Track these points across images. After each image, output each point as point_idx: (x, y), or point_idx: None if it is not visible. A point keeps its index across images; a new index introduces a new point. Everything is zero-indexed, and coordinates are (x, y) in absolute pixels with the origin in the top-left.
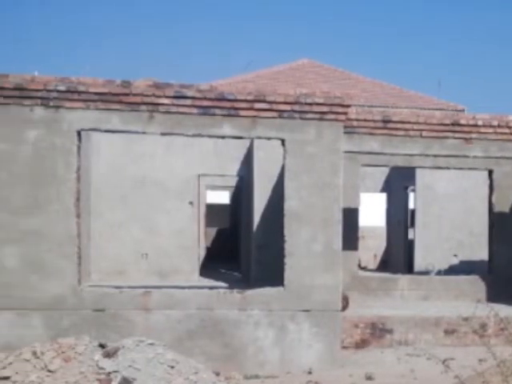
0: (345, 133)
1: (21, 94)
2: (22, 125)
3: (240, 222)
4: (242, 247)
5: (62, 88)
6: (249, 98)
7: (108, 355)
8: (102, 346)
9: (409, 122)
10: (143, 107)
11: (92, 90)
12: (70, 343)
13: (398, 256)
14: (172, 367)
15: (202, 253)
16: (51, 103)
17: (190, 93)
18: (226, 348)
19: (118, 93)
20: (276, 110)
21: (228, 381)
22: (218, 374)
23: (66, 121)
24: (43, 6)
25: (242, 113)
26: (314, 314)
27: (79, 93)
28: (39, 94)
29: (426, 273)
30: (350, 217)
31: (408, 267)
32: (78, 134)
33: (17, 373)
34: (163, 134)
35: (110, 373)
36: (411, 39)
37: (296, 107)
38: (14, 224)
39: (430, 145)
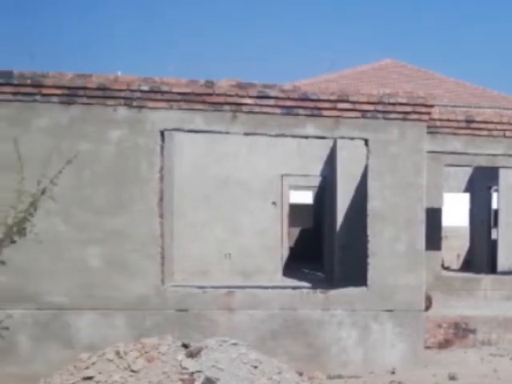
0: (428, 133)
1: (104, 93)
2: (105, 125)
3: (323, 222)
4: (325, 247)
5: (145, 88)
6: (332, 97)
7: (191, 355)
8: (185, 346)
9: (492, 122)
10: (226, 107)
11: (175, 89)
12: (153, 343)
13: (481, 256)
14: (255, 367)
15: (285, 253)
16: (134, 103)
17: (273, 93)
18: (309, 348)
19: (202, 93)
20: (359, 110)
21: (311, 381)
22: (301, 374)
23: (149, 121)
24: (127, 7)
25: (325, 113)
26: (397, 314)
27: (162, 93)
28: (122, 94)
29: (509, 273)
30: (433, 217)
31: (491, 267)
32: (162, 134)
33: (100, 373)
34: (246, 134)
35: (193, 373)
36: (494, 38)
37: (379, 107)
38: (97, 224)
39: None
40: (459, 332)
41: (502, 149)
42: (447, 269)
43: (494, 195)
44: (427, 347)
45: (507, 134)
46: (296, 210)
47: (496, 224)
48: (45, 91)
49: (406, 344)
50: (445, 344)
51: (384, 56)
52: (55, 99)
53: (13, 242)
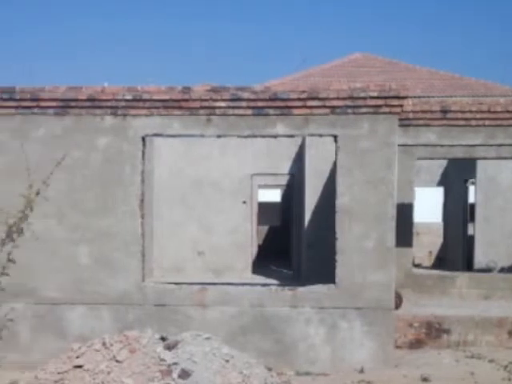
0: (400, 126)
1: (93, 104)
2: (93, 133)
3: (291, 220)
4: (294, 245)
5: (128, 97)
6: (302, 96)
7: (168, 348)
8: (163, 338)
9: (470, 111)
10: (201, 111)
11: (155, 97)
12: (135, 336)
13: (456, 253)
14: (227, 361)
15: (255, 250)
16: (119, 112)
17: (245, 95)
18: (277, 344)
19: (179, 99)
20: (329, 107)
21: (280, 376)
22: (270, 370)
23: (132, 128)
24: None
25: (295, 111)
26: (365, 312)
27: (144, 101)
28: (109, 104)
29: (487, 270)
30: (404, 212)
31: (467, 264)
32: (143, 139)
33: (89, 362)
34: (219, 136)
35: (170, 365)
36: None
37: (349, 102)
38: (86, 225)
39: (493, 134)
40: (432, 332)
41: (481, 139)
42: (419, 266)
43: (471, 188)
44: (398, 347)
45: (487, 122)
46: (265, 209)
47: (472, 219)
48: (42, 104)
49: (374, 343)
50: (416, 344)
51: (354, 50)
52: (51, 111)
53: (12, 240)
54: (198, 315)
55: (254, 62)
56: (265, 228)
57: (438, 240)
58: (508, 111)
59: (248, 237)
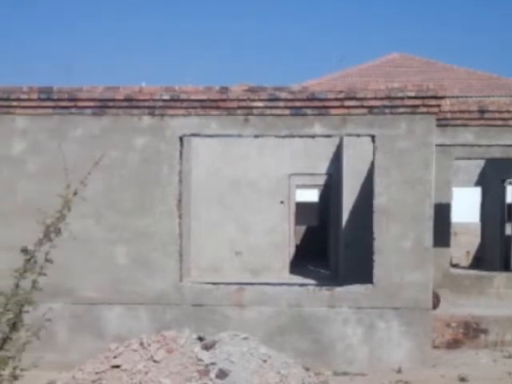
0: (438, 126)
1: (130, 104)
2: (131, 133)
3: (329, 220)
4: (331, 245)
5: (166, 97)
6: (339, 96)
7: (206, 348)
8: (200, 339)
9: (507, 111)
10: (239, 111)
11: (193, 97)
12: (173, 336)
13: (494, 253)
14: (264, 361)
15: (292, 250)
16: (156, 112)
17: (282, 95)
18: (315, 344)
19: (217, 99)
20: (366, 107)
21: (317, 377)
22: (307, 370)
23: (169, 128)
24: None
25: (333, 111)
26: (403, 312)
27: (181, 101)
28: (146, 104)
29: None
30: (442, 212)
31: (504, 265)
32: (180, 139)
33: (126, 362)
34: (257, 136)
35: (207, 365)
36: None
37: (387, 102)
38: (124, 225)
39: None
40: (469, 332)
41: None
42: (456, 266)
43: (508, 189)
44: (435, 347)
45: None
46: (302, 209)
47: (510, 219)
48: (80, 104)
49: (412, 343)
50: (454, 344)
51: (391, 50)
52: (88, 111)
53: (50, 240)
54: (236, 315)
55: (291, 61)
56: (302, 228)
57: (475, 240)
58: None
59: (286, 237)
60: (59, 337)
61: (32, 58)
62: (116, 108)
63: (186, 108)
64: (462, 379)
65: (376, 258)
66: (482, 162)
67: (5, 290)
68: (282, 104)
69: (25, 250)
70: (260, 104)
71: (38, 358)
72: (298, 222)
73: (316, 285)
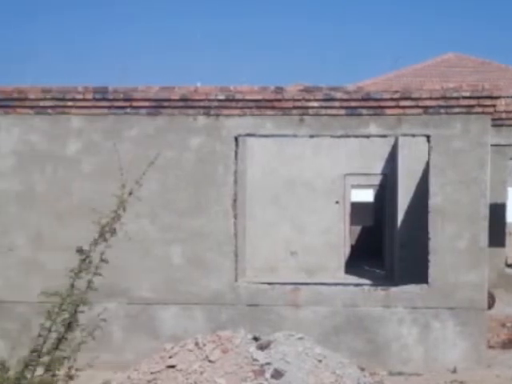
0: (493, 126)
1: (185, 104)
2: (186, 133)
3: (384, 220)
4: (386, 245)
5: (221, 97)
6: (395, 96)
7: (261, 348)
8: (255, 338)
9: None
10: (294, 111)
11: (248, 97)
12: (228, 336)
13: None
14: (320, 361)
15: (347, 250)
16: (212, 112)
17: (338, 95)
18: (370, 344)
19: (272, 99)
20: (421, 107)
21: (372, 377)
22: (362, 370)
23: (225, 128)
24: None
25: (388, 111)
26: (458, 312)
27: (237, 101)
28: (201, 104)
29: None
30: (497, 212)
31: None
32: (236, 139)
33: (182, 362)
34: (312, 136)
35: (263, 365)
36: None
37: (442, 102)
38: (179, 225)
39: None
40: None
41: None
42: (511, 266)
43: None
44: (490, 347)
45: None
46: (357, 209)
47: None
48: (135, 104)
49: (467, 343)
50: (509, 344)
51: (446, 50)
52: (143, 111)
53: (105, 240)
54: (291, 315)
55: (347, 61)
56: (357, 228)
57: None
58: None
59: (341, 237)
60: (114, 337)
61: (87, 57)
62: (171, 108)
63: (242, 108)
64: None
65: (431, 257)
66: None
67: (60, 290)
68: (337, 104)
69: (80, 250)
70: (315, 104)
71: (93, 358)
72: (353, 222)
73: (371, 285)
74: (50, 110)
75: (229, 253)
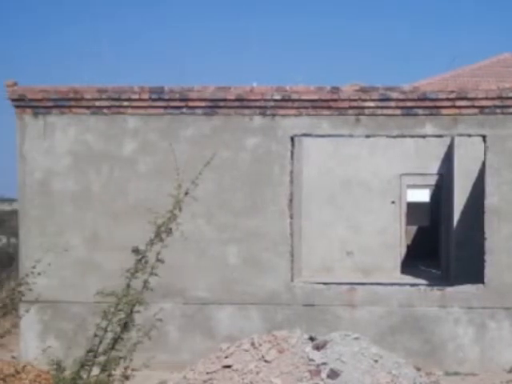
0: None
1: (241, 104)
2: (242, 133)
3: (440, 220)
4: (442, 245)
5: (277, 97)
6: (450, 96)
7: (317, 348)
8: (311, 338)
9: None
10: (350, 111)
11: (304, 97)
12: (284, 336)
13: None
14: (376, 361)
15: (403, 250)
16: (268, 112)
17: (394, 95)
18: (426, 344)
19: (328, 99)
20: (477, 107)
21: (428, 376)
22: (418, 370)
23: (280, 128)
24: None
25: (444, 111)
26: None
27: (293, 101)
28: (257, 104)
29: None
30: None
31: None
32: (292, 139)
33: (237, 362)
34: (368, 136)
35: (319, 365)
36: None
37: (498, 102)
38: (235, 225)
39: None
40: None
41: None
42: None
43: None
44: None
45: None
46: (413, 209)
47: None
48: (191, 104)
49: None
50: None
51: (502, 50)
52: (199, 111)
53: (161, 240)
54: (347, 315)
55: (403, 61)
56: (413, 228)
57: None
58: None
59: (397, 237)
60: (170, 337)
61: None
62: (227, 108)
63: (298, 108)
64: None
65: (487, 257)
66: None
67: (116, 290)
68: (393, 104)
69: (136, 250)
70: (371, 104)
71: (149, 358)
72: (409, 222)
73: (427, 285)
74: (105, 110)
75: (285, 253)
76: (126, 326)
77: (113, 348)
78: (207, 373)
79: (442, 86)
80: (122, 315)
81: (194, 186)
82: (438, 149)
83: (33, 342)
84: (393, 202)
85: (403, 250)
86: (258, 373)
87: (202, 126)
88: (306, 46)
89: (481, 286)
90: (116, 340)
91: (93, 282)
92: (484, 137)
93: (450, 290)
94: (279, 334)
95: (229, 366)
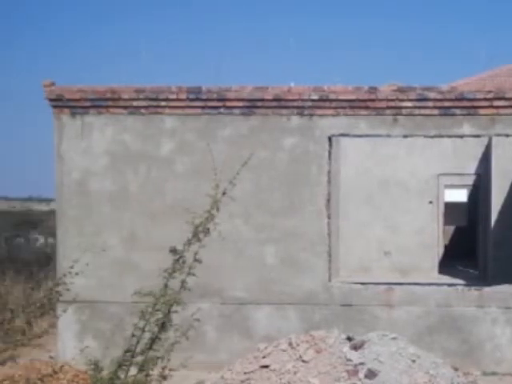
0: None
1: (279, 104)
2: (279, 133)
3: (477, 220)
4: (480, 245)
5: (315, 97)
6: (488, 96)
7: (355, 348)
8: (349, 338)
9: None
10: (388, 111)
11: (342, 97)
12: (322, 336)
13: None
14: (413, 361)
15: (441, 250)
16: (305, 112)
17: (431, 95)
18: (463, 344)
19: (365, 99)
20: None
21: (466, 377)
22: (456, 370)
23: (318, 128)
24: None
25: (482, 111)
26: None
27: (330, 101)
28: (295, 104)
29: None
30: None
31: None
32: (329, 139)
33: (275, 362)
34: (406, 136)
35: (356, 365)
36: None
37: None
38: (273, 225)
39: None
40: None
41: None
42: None
43: None
44: None
45: None
46: (451, 209)
47: None
48: (228, 104)
49: None
50: None
51: None
52: (237, 111)
53: (198, 240)
54: (385, 315)
55: (440, 61)
56: (451, 228)
57: None
58: None
59: (434, 237)
60: (208, 337)
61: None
62: (265, 108)
63: (335, 108)
64: None
65: None
66: None
67: (154, 290)
68: (430, 104)
69: (174, 250)
70: (409, 104)
71: (187, 358)
72: (446, 222)
73: (465, 285)
74: (143, 110)
75: (322, 253)
76: (163, 326)
77: (150, 348)
78: (245, 373)
79: (479, 85)
80: (160, 315)
81: (232, 186)
82: (476, 149)
83: (70, 342)
84: (430, 202)
85: (441, 250)
86: (295, 373)
87: (240, 126)
88: (344, 46)
89: None
90: (154, 340)
91: (130, 281)
92: None
93: (487, 290)
94: (317, 334)
95: (266, 366)
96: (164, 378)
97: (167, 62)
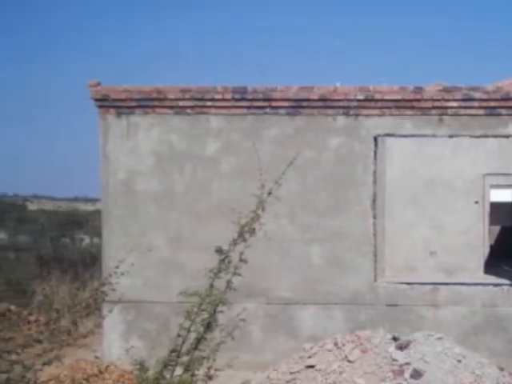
0: None
1: (324, 104)
2: (325, 133)
3: None
4: None
5: (360, 97)
6: None
7: (400, 348)
8: (394, 338)
9: None
10: (433, 111)
11: (387, 97)
12: (367, 336)
13: None
14: (459, 361)
15: (487, 250)
16: (351, 112)
17: (477, 95)
18: (509, 344)
19: (411, 99)
20: None
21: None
22: (502, 370)
23: (364, 128)
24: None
25: None
26: None
27: (376, 101)
28: (341, 104)
29: None
30: None
31: None
32: (375, 139)
33: (321, 362)
34: (451, 136)
35: (402, 365)
36: None
37: None
38: (318, 225)
39: None
40: None
41: None
42: None
43: None
44: None
45: None
46: (496, 209)
47: None
48: (274, 104)
49: None
50: None
51: None
52: (282, 111)
53: (244, 240)
54: (430, 315)
55: (486, 61)
56: (496, 228)
57: None
58: None
59: (480, 237)
60: (253, 337)
61: (227, 57)
62: (310, 108)
63: (381, 108)
64: None
65: None
66: None
67: (199, 290)
68: (476, 104)
69: (219, 250)
70: (454, 104)
71: (233, 358)
72: (492, 222)
73: (510, 285)
74: (189, 110)
75: (368, 253)
76: (209, 326)
77: (196, 348)
78: (290, 373)
79: None
80: (206, 315)
81: (277, 185)
82: None
83: (116, 342)
84: (476, 202)
85: (486, 250)
86: (341, 373)
87: (286, 126)
88: (390, 47)
89: None
90: (199, 340)
91: (176, 281)
92: None
93: None
94: (362, 334)
95: (312, 366)
96: (210, 377)
97: (213, 61)
